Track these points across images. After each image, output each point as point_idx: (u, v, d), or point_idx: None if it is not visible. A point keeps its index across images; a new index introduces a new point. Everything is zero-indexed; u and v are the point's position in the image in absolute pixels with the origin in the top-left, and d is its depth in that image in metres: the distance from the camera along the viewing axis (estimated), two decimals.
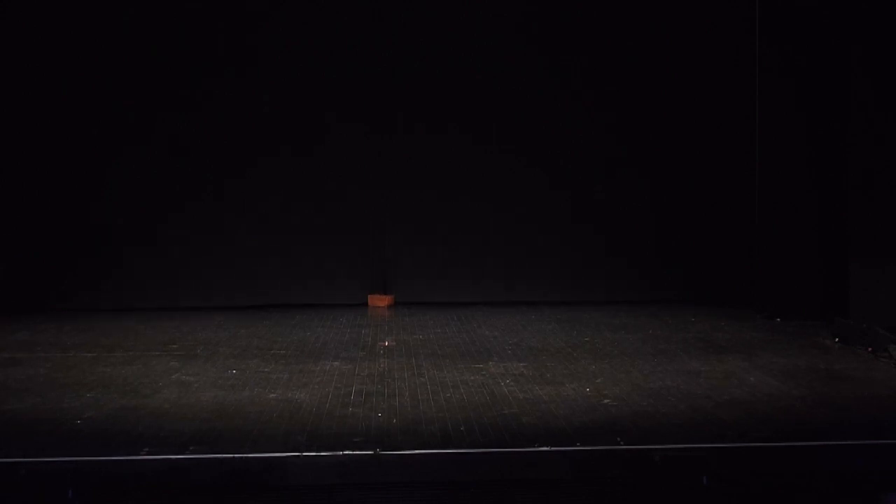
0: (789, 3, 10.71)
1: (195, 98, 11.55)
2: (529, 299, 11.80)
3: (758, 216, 11.18)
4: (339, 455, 5.92)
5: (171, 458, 5.86)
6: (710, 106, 11.72)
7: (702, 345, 9.30)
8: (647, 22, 11.73)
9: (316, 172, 11.74)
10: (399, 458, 5.95)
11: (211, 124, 11.58)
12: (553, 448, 6.02)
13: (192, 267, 11.64)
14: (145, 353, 8.92)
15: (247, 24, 11.59)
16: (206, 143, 11.60)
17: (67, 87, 11.36)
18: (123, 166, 11.51)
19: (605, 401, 7.16)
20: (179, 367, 8.34)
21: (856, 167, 10.11)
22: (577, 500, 6.03)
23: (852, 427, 6.53)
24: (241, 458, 5.88)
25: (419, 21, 11.69)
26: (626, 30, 11.74)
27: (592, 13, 11.77)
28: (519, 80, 11.76)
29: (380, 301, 11.83)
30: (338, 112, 11.69)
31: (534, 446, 6.05)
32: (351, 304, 11.70)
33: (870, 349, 8.88)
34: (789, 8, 10.70)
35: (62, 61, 11.34)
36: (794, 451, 6.13)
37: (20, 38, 11.29)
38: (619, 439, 6.16)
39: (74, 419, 6.72)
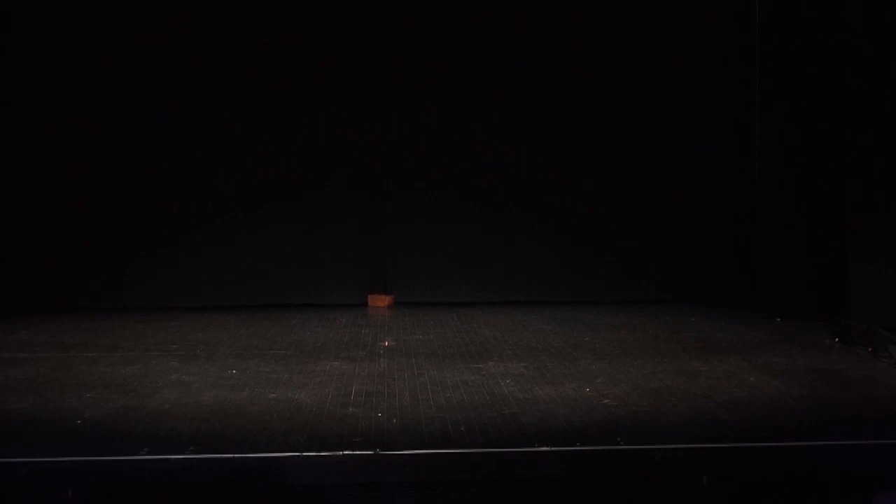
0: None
1: (195, 99, 11.58)
2: (529, 299, 11.81)
3: (757, 216, 11.19)
4: (339, 455, 5.91)
5: (171, 458, 5.85)
6: (708, 106, 11.72)
7: (702, 345, 9.30)
8: (644, 22, 11.73)
9: (316, 172, 11.74)
10: (399, 458, 5.94)
11: (210, 124, 11.61)
12: (553, 448, 6.01)
13: (192, 267, 11.64)
14: (145, 353, 8.92)
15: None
16: (206, 143, 11.62)
17: (75, 89, 11.39)
18: (122, 166, 11.52)
19: (605, 401, 7.16)
20: (179, 367, 8.33)
21: (856, 166, 10.10)
22: (577, 500, 6.03)
23: (852, 427, 6.52)
24: (241, 458, 5.87)
25: None
26: (621, 30, 11.74)
27: (588, 13, 11.77)
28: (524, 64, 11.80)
29: (380, 301, 11.83)
30: (339, 106, 11.73)
31: (534, 446, 6.04)
32: (351, 304, 11.70)
33: (870, 349, 8.87)
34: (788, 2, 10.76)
35: (74, 65, 11.39)
36: (794, 451, 6.12)
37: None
38: (619, 439, 6.15)
39: (74, 419, 6.71)
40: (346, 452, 5.94)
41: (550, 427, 6.46)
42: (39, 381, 7.87)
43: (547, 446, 6.03)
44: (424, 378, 7.92)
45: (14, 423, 6.67)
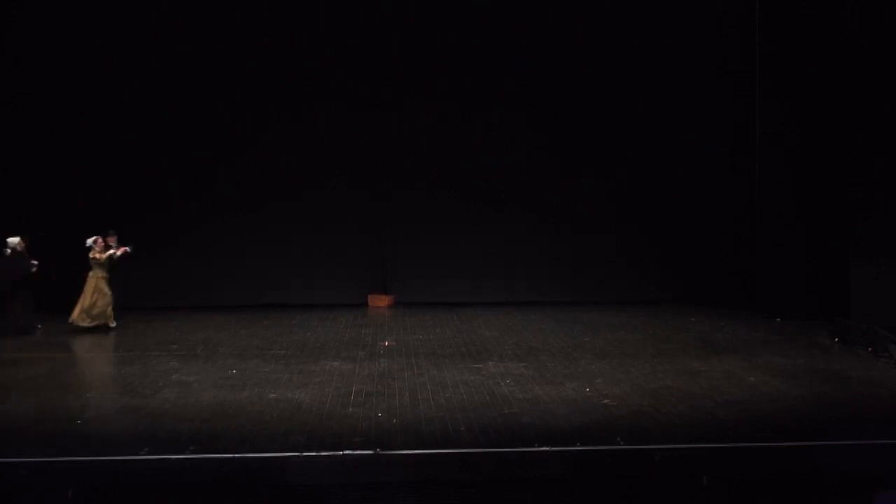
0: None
1: (195, 99, 11.59)
2: (529, 299, 11.82)
3: (758, 217, 11.19)
4: (339, 455, 5.92)
5: (171, 458, 5.85)
6: (708, 106, 11.74)
7: (702, 345, 9.30)
8: (644, 22, 11.74)
9: (316, 172, 11.74)
10: (399, 458, 5.94)
11: (210, 124, 11.61)
12: (553, 448, 6.01)
13: (193, 267, 11.65)
14: (145, 353, 8.91)
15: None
16: (206, 143, 11.62)
17: (75, 89, 11.39)
18: (122, 166, 11.53)
19: (605, 401, 7.16)
20: (179, 367, 8.33)
21: (857, 166, 10.10)
22: (577, 500, 6.03)
23: (852, 427, 6.52)
24: (241, 458, 5.88)
25: None
26: (621, 30, 11.75)
27: (588, 14, 11.79)
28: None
29: (380, 301, 11.84)
30: (339, 106, 11.73)
31: (534, 446, 6.04)
32: (351, 304, 11.70)
33: (870, 349, 8.87)
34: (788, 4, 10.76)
35: (74, 65, 11.41)
36: (794, 451, 6.12)
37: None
38: (619, 439, 6.16)
39: (74, 419, 6.71)
40: (346, 452, 5.95)
41: (550, 427, 6.46)
42: (39, 381, 7.87)
43: (547, 446, 6.04)
44: (424, 378, 7.92)
45: (14, 423, 6.67)
